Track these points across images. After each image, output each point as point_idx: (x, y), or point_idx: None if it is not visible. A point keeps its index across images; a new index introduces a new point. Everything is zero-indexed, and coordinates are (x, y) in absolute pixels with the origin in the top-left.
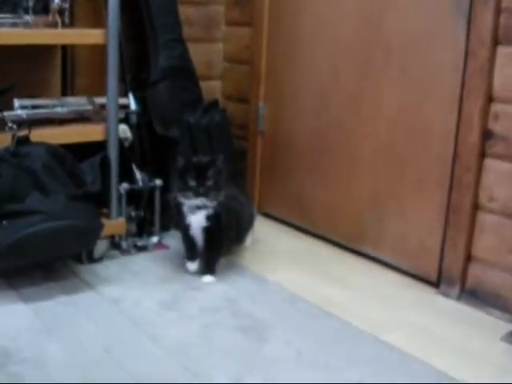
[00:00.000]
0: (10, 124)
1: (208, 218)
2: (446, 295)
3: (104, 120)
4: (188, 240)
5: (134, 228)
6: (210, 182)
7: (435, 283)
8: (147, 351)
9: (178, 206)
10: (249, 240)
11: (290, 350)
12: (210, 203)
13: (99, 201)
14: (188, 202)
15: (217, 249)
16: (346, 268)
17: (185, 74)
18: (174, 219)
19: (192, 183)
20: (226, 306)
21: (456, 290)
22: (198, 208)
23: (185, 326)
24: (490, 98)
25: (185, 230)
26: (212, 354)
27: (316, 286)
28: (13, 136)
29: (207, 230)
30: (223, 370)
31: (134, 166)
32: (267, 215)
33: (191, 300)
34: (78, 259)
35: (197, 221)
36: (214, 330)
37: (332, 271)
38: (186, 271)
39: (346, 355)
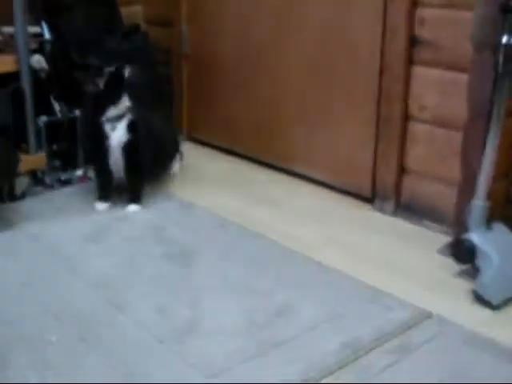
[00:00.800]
0: None
1: (129, 127)
2: (381, 210)
3: (15, 50)
4: (105, 172)
5: (57, 162)
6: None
7: (369, 199)
8: (68, 286)
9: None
10: (176, 167)
11: (217, 275)
12: (128, 112)
13: (15, 135)
14: (108, 114)
15: (139, 170)
16: (278, 189)
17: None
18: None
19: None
20: (151, 234)
21: (391, 205)
22: (118, 118)
23: (108, 258)
24: (414, 3)
25: (104, 156)
26: (136, 284)
27: (246, 209)
28: None
29: (128, 145)
30: (147, 299)
31: (52, 98)
32: (197, 140)
33: (115, 231)
34: None
35: (119, 134)
36: (138, 259)
37: (262, 193)
38: (112, 201)
39: (275, 277)
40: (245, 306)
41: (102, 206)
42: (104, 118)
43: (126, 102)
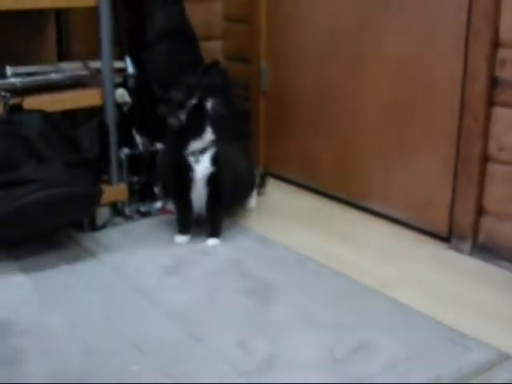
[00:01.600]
0: (2, 93)
1: (213, 159)
2: (458, 250)
3: (100, 84)
4: (186, 205)
5: (136, 194)
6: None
7: (446, 238)
8: (149, 317)
9: (182, 158)
10: (253, 202)
11: (297, 311)
12: (211, 145)
13: (99, 167)
14: (192, 147)
15: (220, 204)
16: (354, 225)
17: (182, 35)
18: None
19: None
20: (231, 268)
21: (468, 245)
22: (202, 151)
23: (188, 291)
24: (496, 44)
25: (186, 189)
26: (216, 317)
27: (324, 245)
28: (4, 104)
29: (212, 177)
30: (228, 333)
31: (134, 131)
32: (273, 175)
33: (195, 264)
34: (80, 228)
35: (203, 166)
36: (218, 293)
37: (340, 229)
38: (192, 235)
39: (356, 313)
40: (325, 342)
41: (181, 238)
42: (188, 151)
43: (209, 135)
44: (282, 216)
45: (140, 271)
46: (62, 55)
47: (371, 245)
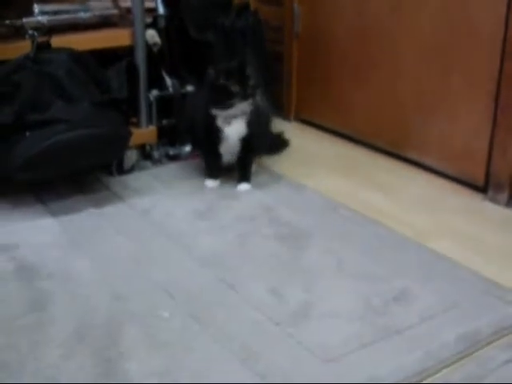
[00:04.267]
0: (30, 31)
1: (248, 124)
2: (494, 201)
3: (130, 24)
4: (215, 156)
5: (165, 137)
6: (250, 83)
7: (482, 188)
8: (180, 262)
9: (212, 119)
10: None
11: (331, 259)
12: (248, 109)
13: (127, 109)
14: (223, 114)
15: (253, 156)
16: (389, 174)
17: None
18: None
19: (235, 89)
20: (262, 214)
21: (505, 196)
22: (235, 117)
23: (219, 236)
24: None
25: (214, 144)
26: (248, 263)
27: (358, 193)
28: (32, 42)
29: (246, 138)
30: (260, 279)
31: (163, 72)
32: (305, 121)
33: (226, 209)
34: (108, 171)
35: (236, 130)
36: (250, 238)
37: (374, 177)
38: (222, 179)
39: (390, 263)
40: (361, 291)
41: (212, 183)
42: (219, 116)
43: (247, 106)
44: (315, 163)
45: (170, 215)
46: None
47: (407, 194)
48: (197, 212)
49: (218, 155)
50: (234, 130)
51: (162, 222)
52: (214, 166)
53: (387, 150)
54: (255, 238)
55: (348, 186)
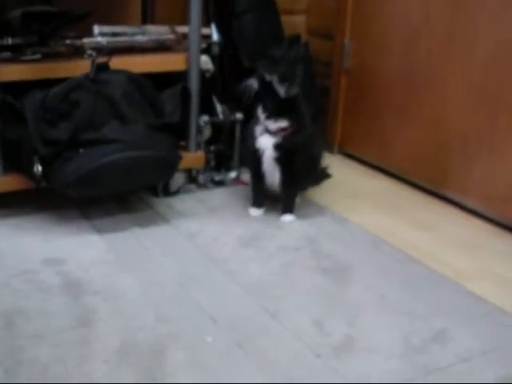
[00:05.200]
0: (89, 51)
1: (277, 146)
2: None
3: (185, 50)
4: (259, 180)
5: (212, 162)
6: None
7: None
8: (224, 288)
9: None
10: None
11: (373, 294)
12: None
13: (178, 132)
14: (266, 123)
15: (293, 182)
16: (430, 213)
17: (269, 6)
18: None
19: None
20: (306, 245)
21: None
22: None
23: (263, 264)
24: None
25: (258, 165)
26: (291, 294)
27: (399, 230)
28: (92, 62)
29: (279, 160)
30: (303, 310)
31: (214, 99)
32: (348, 155)
33: (270, 238)
34: (154, 192)
35: (269, 151)
36: (293, 269)
37: (415, 215)
38: (266, 208)
39: (430, 302)
40: (401, 328)
41: (255, 212)
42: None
43: (281, 122)
44: (357, 197)
45: (214, 241)
46: (145, 18)
47: (447, 234)
48: (241, 239)
49: (261, 177)
50: (269, 149)
51: (207, 246)
52: (259, 192)
53: (429, 188)
54: (299, 269)
55: (389, 222)
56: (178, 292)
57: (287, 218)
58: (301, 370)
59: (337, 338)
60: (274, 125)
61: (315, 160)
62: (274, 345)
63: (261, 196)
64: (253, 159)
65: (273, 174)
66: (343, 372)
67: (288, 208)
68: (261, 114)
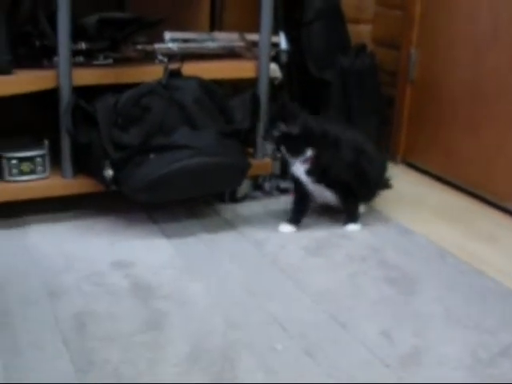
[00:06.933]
0: (160, 57)
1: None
2: None
3: (255, 57)
4: (301, 196)
5: (277, 170)
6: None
7: None
8: (293, 297)
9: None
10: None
11: (439, 306)
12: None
13: (246, 139)
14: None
15: (347, 195)
16: (497, 226)
17: (337, 16)
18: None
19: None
20: (371, 255)
21: None
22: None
23: (331, 274)
24: None
25: (297, 187)
26: (359, 303)
27: (464, 242)
28: (165, 68)
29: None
30: (371, 320)
31: None
32: (412, 165)
33: (336, 247)
34: (220, 198)
35: (301, 172)
36: (360, 279)
37: (481, 228)
38: (331, 217)
39: (496, 316)
40: (468, 341)
41: (287, 228)
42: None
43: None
44: (421, 208)
45: (282, 249)
46: (213, 25)
47: None
48: (308, 248)
49: (302, 201)
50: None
51: (275, 254)
52: (297, 213)
53: (494, 201)
54: (366, 279)
55: (454, 234)
56: (247, 299)
57: (351, 227)
58: (370, 379)
59: (404, 348)
60: (299, 159)
61: (370, 172)
62: (343, 354)
63: (298, 216)
64: (294, 183)
65: (321, 193)
66: (411, 382)
67: (351, 218)
68: (285, 154)
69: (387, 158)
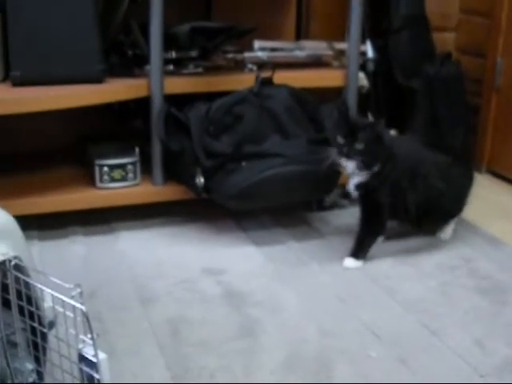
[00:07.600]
0: (249, 65)
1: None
2: None
3: (343, 66)
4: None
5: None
6: (359, 146)
7: None
8: (384, 305)
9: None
10: (448, 231)
11: None
12: (361, 171)
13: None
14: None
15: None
16: None
17: (422, 23)
18: None
19: (340, 140)
20: (462, 264)
21: None
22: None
23: (421, 282)
24: None
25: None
26: (451, 312)
27: None
28: (256, 77)
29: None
30: (463, 329)
31: (369, 115)
32: (497, 174)
33: (425, 255)
34: (307, 206)
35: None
36: (451, 288)
37: None
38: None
39: None
40: None
41: (351, 262)
42: None
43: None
44: (509, 217)
45: (371, 257)
46: (299, 34)
47: None
48: (398, 257)
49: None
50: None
51: (364, 262)
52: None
53: None
54: (457, 288)
55: None
56: (339, 307)
57: (349, 262)
58: None
59: (498, 358)
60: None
61: (461, 190)
62: (437, 362)
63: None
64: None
65: None
66: None
67: (357, 252)
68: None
69: (472, 180)
